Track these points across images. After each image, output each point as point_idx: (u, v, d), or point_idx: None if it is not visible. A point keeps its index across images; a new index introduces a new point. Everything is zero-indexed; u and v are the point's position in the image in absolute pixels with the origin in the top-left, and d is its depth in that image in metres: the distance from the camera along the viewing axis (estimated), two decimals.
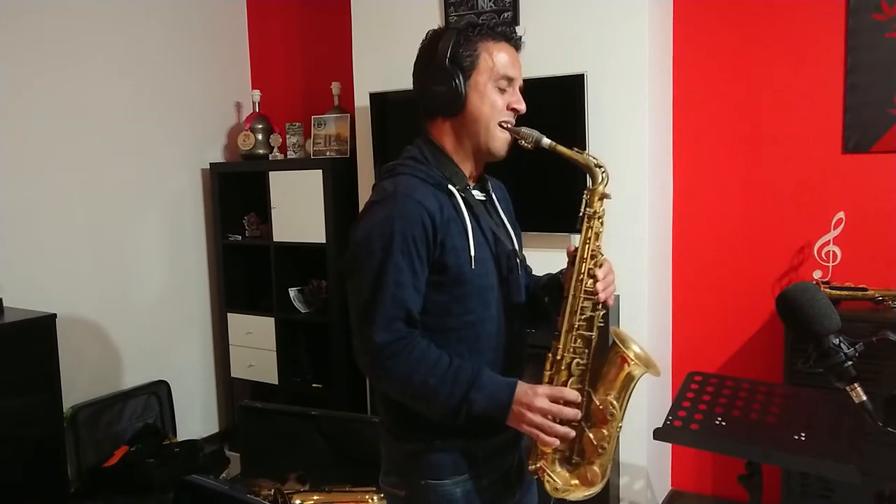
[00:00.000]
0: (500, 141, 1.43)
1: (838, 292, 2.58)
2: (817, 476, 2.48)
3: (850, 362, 1.22)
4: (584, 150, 1.66)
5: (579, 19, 2.81)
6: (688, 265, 3.11)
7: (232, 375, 3.94)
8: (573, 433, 1.37)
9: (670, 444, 3.05)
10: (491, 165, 1.52)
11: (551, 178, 2.71)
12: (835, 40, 2.72)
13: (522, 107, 1.45)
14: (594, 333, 1.42)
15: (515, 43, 1.46)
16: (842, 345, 1.23)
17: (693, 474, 3.19)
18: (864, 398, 1.22)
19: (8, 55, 3.11)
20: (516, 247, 1.52)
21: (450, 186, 1.41)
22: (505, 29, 1.44)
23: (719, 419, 1.81)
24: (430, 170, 1.42)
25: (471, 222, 1.40)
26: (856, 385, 1.22)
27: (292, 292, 3.77)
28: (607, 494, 2.78)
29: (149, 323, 3.72)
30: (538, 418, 1.33)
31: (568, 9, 2.83)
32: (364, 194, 3.44)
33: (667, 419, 1.85)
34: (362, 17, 3.31)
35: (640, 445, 2.82)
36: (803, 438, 1.68)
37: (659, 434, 1.84)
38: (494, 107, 1.41)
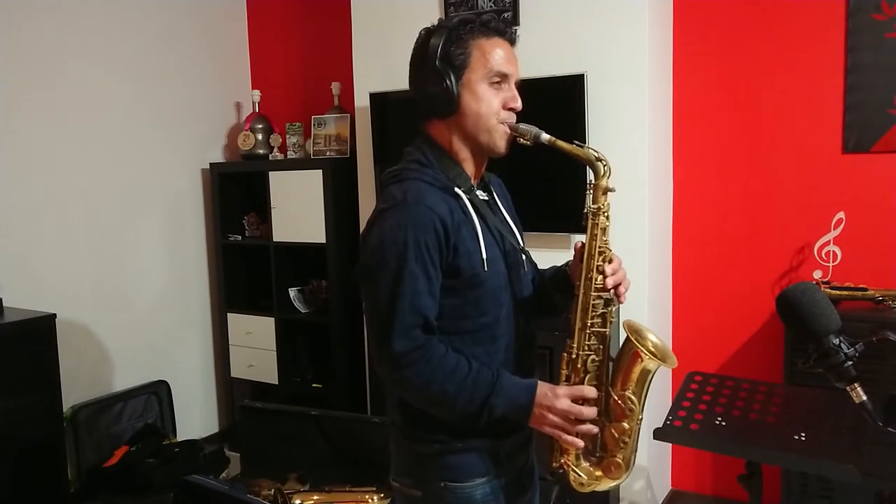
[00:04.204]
0: (498, 138, 1.40)
1: (838, 292, 2.58)
2: (817, 476, 2.48)
3: (850, 362, 1.22)
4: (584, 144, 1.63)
5: (579, 19, 2.81)
6: (688, 265, 3.10)
7: (232, 375, 3.94)
8: (596, 430, 1.37)
9: (670, 444, 3.05)
10: (490, 164, 1.51)
11: (551, 177, 2.71)
12: (835, 40, 2.72)
13: (518, 104, 1.41)
14: (608, 329, 1.41)
15: (510, 38, 1.41)
16: (842, 345, 1.23)
17: (693, 474, 3.19)
18: (864, 398, 1.22)
19: (8, 55, 3.11)
20: (521, 243, 1.52)
21: (456, 189, 1.39)
22: (498, 24, 1.40)
23: (719, 419, 1.81)
24: (436, 173, 1.39)
25: (480, 224, 1.39)
26: (856, 385, 1.22)
27: (292, 292, 3.77)
28: (607, 494, 2.77)
29: (149, 323, 3.72)
30: (560, 420, 1.32)
31: (568, 9, 2.83)
32: (364, 194, 3.44)
33: (667, 419, 1.85)
34: (362, 17, 3.31)
35: (641, 445, 2.79)
36: (803, 438, 1.68)
37: (659, 434, 1.84)
38: (489, 105, 1.38)
